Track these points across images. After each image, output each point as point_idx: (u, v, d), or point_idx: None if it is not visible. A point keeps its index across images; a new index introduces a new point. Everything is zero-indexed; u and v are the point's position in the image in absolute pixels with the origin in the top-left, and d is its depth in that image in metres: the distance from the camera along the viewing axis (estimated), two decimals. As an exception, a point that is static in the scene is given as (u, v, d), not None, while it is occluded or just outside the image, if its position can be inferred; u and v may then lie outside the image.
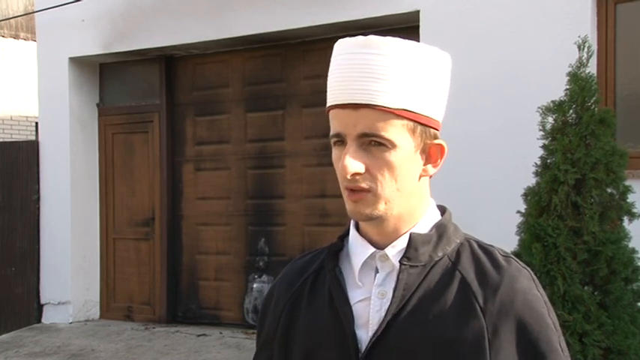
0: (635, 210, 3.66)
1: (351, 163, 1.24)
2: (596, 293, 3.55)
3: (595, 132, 3.65)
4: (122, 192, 8.25)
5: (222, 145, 7.66)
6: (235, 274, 7.57)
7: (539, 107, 3.82)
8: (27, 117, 12.49)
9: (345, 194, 1.29)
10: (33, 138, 11.40)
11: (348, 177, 1.25)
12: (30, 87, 11.13)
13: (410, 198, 1.29)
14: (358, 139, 1.25)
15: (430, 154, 1.31)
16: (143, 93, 8.20)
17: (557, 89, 3.85)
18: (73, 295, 8.11)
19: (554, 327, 1.27)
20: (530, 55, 5.45)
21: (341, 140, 1.27)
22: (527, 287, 1.27)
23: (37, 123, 9.40)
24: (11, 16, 11.81)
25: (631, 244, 3.63)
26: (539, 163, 3.81)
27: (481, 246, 1.33)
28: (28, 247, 8.36)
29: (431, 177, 1.34)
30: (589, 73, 3.76)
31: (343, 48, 1.29)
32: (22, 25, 12.40)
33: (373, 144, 1.25)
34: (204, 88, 7.82)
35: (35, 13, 8.59)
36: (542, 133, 3.79)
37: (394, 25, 6.23)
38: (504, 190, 5.18)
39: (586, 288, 3.55)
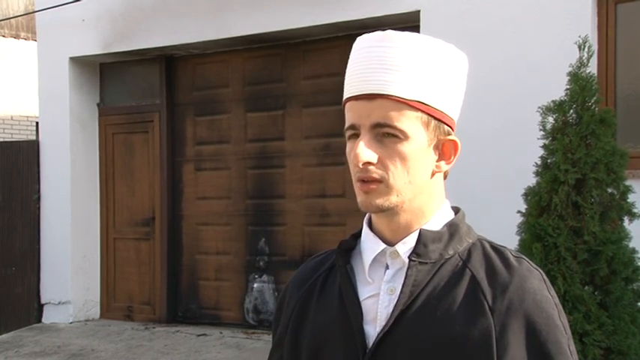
0: (635, 210, 3.66)
1: (364, 152, 1.24)
2: (596, 293, 3.55)
3: (595, 132, 3.64)
4: (122, 192, 8.25)
5: (223, 145, 7.66)
6: (235, 274, 7.57)
7: (539, 107, 3.82)
8: (27, 117, 12.50)
9: (356, 186, 1.28)
10: (33, 138, 11.40)
11: (360, 165, 1.24)
12: (30, 87, 11.13)
13: (422, 193, 1.29)
14: (372, 130, 1.25)
15: (444, 150, 1.31)
16: (143, 93, 8.19)
17: (558, 89, 3.85)
18: (73, 294, 8.11)
19: (564, 329, 1.25)
20: (530, 55, 5.44)
21: (355, 133, 1.27)
22: (538, 288, 1.25)
23: (37, 123, 9.39)
24: (11, 16, 11.81)
25: (631, 244, 3.63)
26: (539, 162, 3.80)
27: (493, 246, 1.32)
28: (28, 246, 8.36)
29: (446, 176, 1.34)
30: (589, 72, 3.76)
31: (361, 43, 1.30)
32: (22, 25, 12.40)
33: (386, 135, 1.25)
34: (204, 88, 7.81)
35: (35, 13, 8.59)
36: (542, 132, 3.79)
37: (394, 25, 6.20)
38: (504, 190, 5.17)
39: (586, 288, 3.55)
